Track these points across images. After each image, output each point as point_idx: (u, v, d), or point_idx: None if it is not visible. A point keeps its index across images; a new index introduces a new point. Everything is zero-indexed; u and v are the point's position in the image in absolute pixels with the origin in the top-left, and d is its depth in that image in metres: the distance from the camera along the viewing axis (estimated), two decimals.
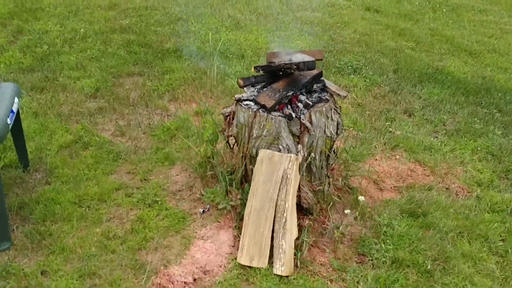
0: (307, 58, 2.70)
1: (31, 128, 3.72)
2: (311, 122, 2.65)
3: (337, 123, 2.79)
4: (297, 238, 2.64)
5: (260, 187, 2.62)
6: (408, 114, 4.39)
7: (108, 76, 4.60)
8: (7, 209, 2.74)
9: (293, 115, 2.62)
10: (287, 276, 2.53)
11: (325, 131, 2.70)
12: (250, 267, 2.57)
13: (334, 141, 2.79)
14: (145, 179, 3.27)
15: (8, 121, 2.64)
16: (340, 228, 2.80)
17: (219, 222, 2.84)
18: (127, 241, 2.74)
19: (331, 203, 2.92)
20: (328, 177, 2.96)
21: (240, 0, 7.12)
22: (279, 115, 2.63)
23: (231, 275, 2.53)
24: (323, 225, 2.83)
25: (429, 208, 3.11)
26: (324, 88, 2.83)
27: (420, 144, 3.84)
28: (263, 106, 2.64)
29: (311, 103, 2.66)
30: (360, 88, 4.77)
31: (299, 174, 2.68)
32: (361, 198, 2.75)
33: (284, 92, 2.67)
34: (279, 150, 2.66)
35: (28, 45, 5.14)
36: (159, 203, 3.03)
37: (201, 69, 4.83)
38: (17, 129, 3.11)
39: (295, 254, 2.59)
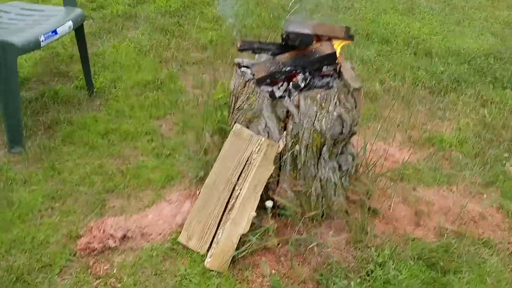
0: (312, 31, 2.21)
1: (127, 61, 3.94)
2: (298, 108, 2.19)
3: (341, 120, 2.24)
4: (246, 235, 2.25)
5: (219, 163, 2.30)
6: None
7: (233, 33, 4.56)
8: (22, 117, 2.95)
9: (277, 94, 2.19)
10: (212, 271, 2.19)
11: (314, 123, 2.19)
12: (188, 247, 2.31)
13: (328, 139, 2.24)
14: (181, 132, 3.18)
15: (42, 38, 2.82)
16: (311, 245, 2.29)
17: (191, 190, 2.60)
18: (109, 181, 2.72)
19: (321, 214, 2.41)
20: (335, 184, 2.43)
21: None
22: (267, 91, 2.23)
23: (161, 248, 2.30)
24: (298, 234, 2.35)
25: (462, 266, 2.32)
26: (340, 74, 2.29)
27: None
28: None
29: (302, 86, 2.18)
30: (505, 105, 3.78)
31: (273, 164, 2.25)
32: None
33: (282, 67, 2.25)
34: (258, 132, 2.28)
35: None
36: (166, 156, 2.92)
37: None
38: (82, 54, 3.33)
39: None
